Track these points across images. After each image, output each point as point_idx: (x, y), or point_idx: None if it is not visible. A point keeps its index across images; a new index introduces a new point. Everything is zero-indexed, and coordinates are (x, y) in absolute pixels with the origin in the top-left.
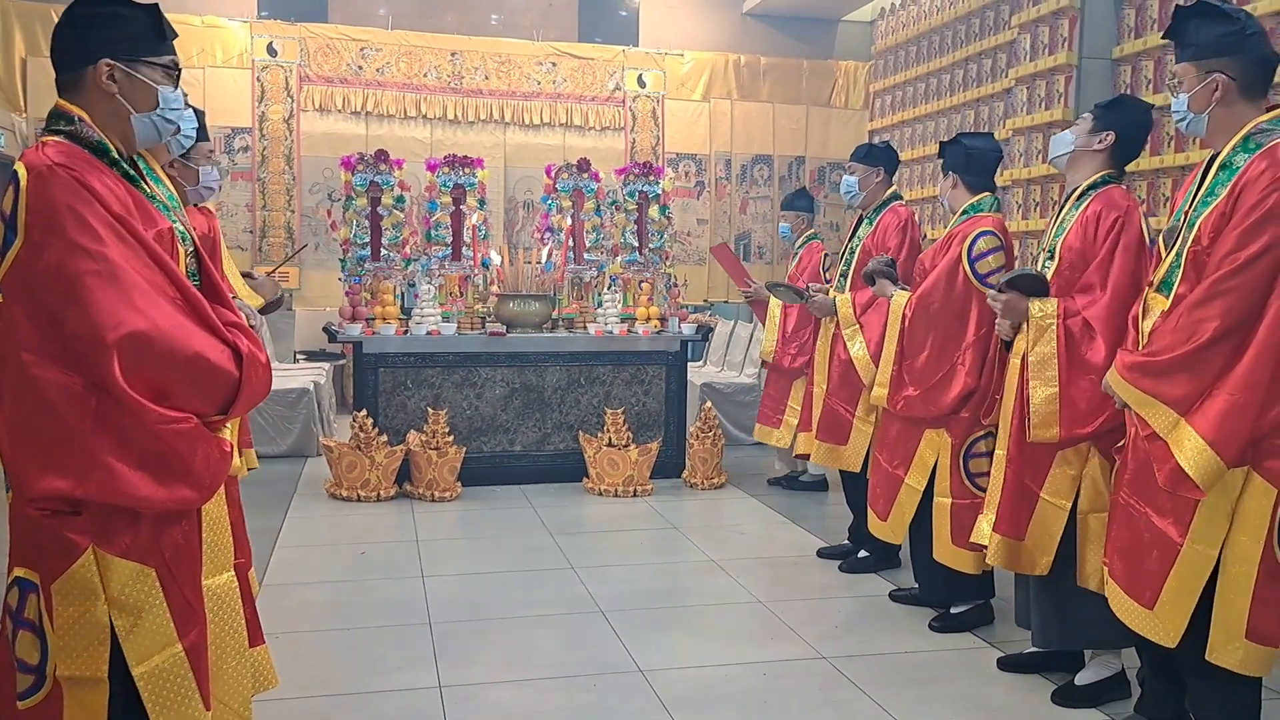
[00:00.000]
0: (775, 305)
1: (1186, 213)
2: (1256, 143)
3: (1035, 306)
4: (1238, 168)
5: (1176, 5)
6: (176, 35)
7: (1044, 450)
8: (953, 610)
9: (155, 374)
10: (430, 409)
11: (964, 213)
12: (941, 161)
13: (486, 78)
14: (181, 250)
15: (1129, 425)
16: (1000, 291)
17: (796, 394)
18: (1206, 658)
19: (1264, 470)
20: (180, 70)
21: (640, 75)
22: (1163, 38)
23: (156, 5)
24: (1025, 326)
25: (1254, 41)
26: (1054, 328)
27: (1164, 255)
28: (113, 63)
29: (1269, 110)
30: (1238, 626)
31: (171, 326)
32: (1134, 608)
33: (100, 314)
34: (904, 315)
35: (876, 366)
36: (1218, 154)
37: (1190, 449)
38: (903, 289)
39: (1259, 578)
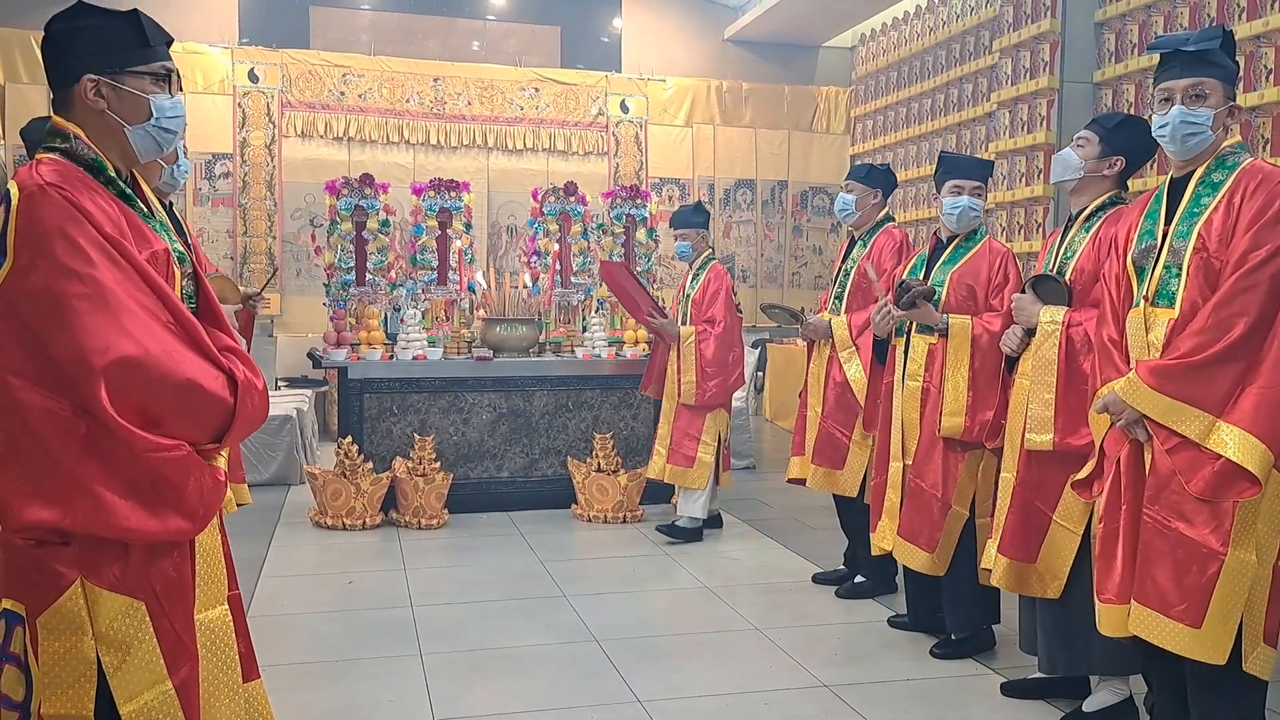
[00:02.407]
0: (689, 340)
1: (1166, 231)
2: (1233, 161)
3: (1045, 314)
4: (1220, 182)
5: (1220, 26)
6: (171, 40)
7: (1056, 474)
8: (954, 636)
9: (146, 400)
10: (416, 435)
11: (976, 233)
12: (974, 181)
13: (469, 103)
14: (178, 272)
15: (1116, 446)
16: (1023, 291)
17: (711, 428)
18: (1244, 668)
19: (1276, 465)
20: (177, 74)
21: (623, 100)
22: (1180, 47)
23: (137, 11)
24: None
25: None
26: (1057, 334)
27: (1135, 276)
28: (96, 78)
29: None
30: (1260, 631)
31: (163, 351)
32: (1176, 629)
33: (87, 338)
34: (976, 337)
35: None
36: (1185, 175)
37: (1238, 445)
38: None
39: (1274, 579)
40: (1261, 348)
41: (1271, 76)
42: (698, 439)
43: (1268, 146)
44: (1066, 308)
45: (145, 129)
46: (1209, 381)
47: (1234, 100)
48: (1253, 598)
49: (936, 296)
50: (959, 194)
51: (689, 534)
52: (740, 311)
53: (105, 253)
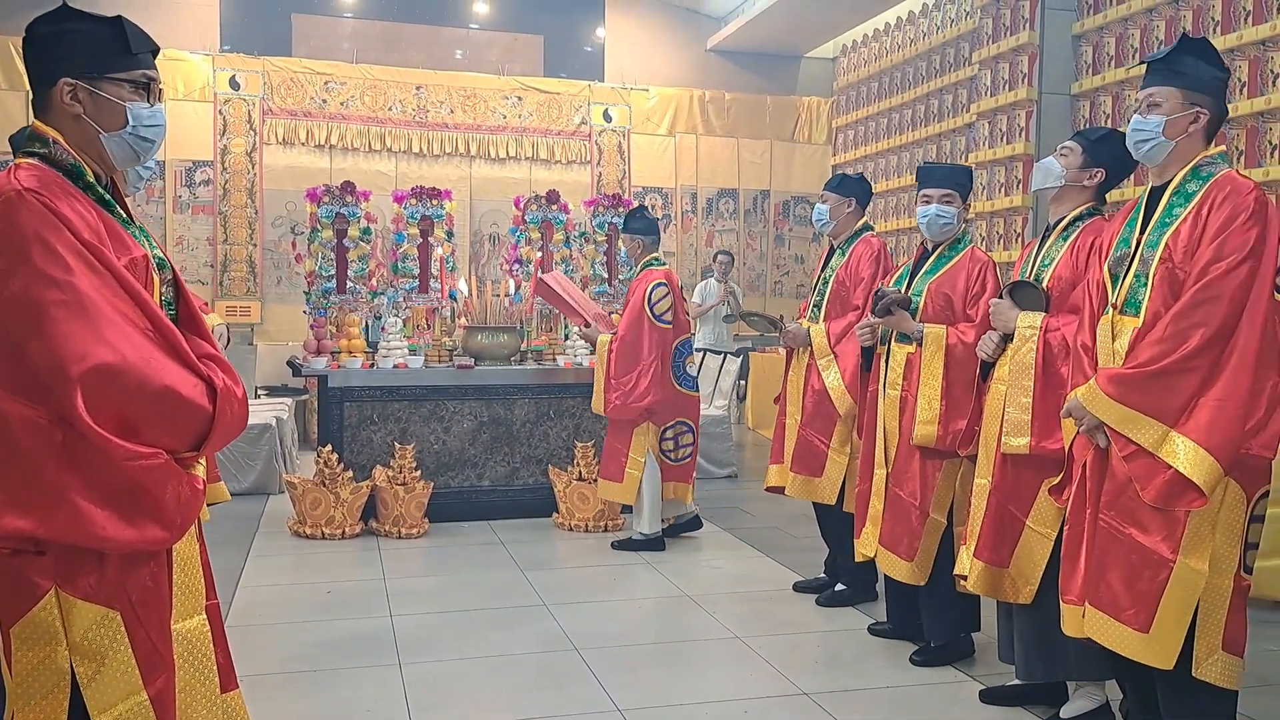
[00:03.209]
0: (603, 348)
1: (1139, 240)
2: (1208, 172)
3: (1024, 319)
4: (1193, 193)
5: (1183, 34)
6: (156, 49)
7: (1030, 478)
8: (934, 644)
9: (123, 408)
10: (397, 444)
11: (960, 242)
12: (942, 189)
13: (452, 111)
14: (157, 279)
15: (1083, 450)
16: (1000, 297)
17: (639, 443)
18: (1193, 674)
19: (1236, 478)
20: (158, 84)
21: (606, 110)
22: (1152, 60)
23: (121, 18)
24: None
25: (1226, 92)
26: (1035, 338)
27: (1110, 284)
28: (73, 82)
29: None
30: (1217, 638)
31: (141, 359)
32: (1126, 633)
33: (64, 346)
34: (950, 347)
35: (852, 397)
36: (1163, 184)
37: (1188, 457)
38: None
39: (1234, 587)
40: (1220, 359)
41: (1245, 89)
42: (625, 453)
43: (1242, 158)
44: (1044, 313)
45: (121, 136)
46: (1164, 391)
47: (1200, 106)
48: (1210, 606)
49: (914, 305)
50: (927, 203)
51: (644, 545)
52: (668, 322)
53: (83, 259)
